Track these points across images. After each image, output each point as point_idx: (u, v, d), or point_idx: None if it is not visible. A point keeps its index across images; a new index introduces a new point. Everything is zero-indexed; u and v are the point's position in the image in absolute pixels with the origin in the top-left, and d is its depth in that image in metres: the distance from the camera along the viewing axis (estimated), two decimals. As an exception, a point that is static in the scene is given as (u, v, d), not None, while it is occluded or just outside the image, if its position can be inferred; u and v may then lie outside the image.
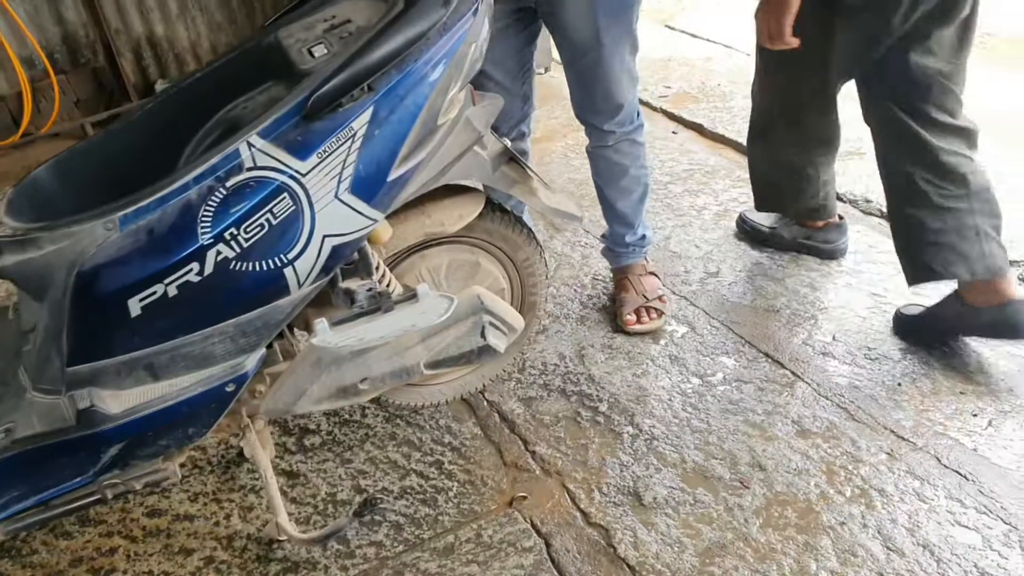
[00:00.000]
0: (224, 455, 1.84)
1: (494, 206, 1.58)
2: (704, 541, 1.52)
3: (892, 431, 1.70)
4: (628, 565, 1.49)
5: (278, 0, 3.98)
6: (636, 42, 1.81)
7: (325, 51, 1.26)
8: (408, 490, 1.70)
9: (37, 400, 1.28)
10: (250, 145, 1.16)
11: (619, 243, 2.08)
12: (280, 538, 1.56)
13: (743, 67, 3.51)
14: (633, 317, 2.04)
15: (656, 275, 2.12)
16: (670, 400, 1.85)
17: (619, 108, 1.86)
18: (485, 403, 1.90)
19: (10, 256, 1.19)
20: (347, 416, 1.91)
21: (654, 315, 2.04)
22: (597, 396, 1.88)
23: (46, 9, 3.61)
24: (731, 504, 1.58)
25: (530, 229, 1.66)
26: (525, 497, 1.65)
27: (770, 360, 1.94)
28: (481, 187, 1.53)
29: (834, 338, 1.98)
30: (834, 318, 2.05)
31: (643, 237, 2.08)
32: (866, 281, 2.17)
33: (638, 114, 1.93)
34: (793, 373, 1.89)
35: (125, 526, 1.70)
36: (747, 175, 2.26)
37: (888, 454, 1.65)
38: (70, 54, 3.75)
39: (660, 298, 2.06)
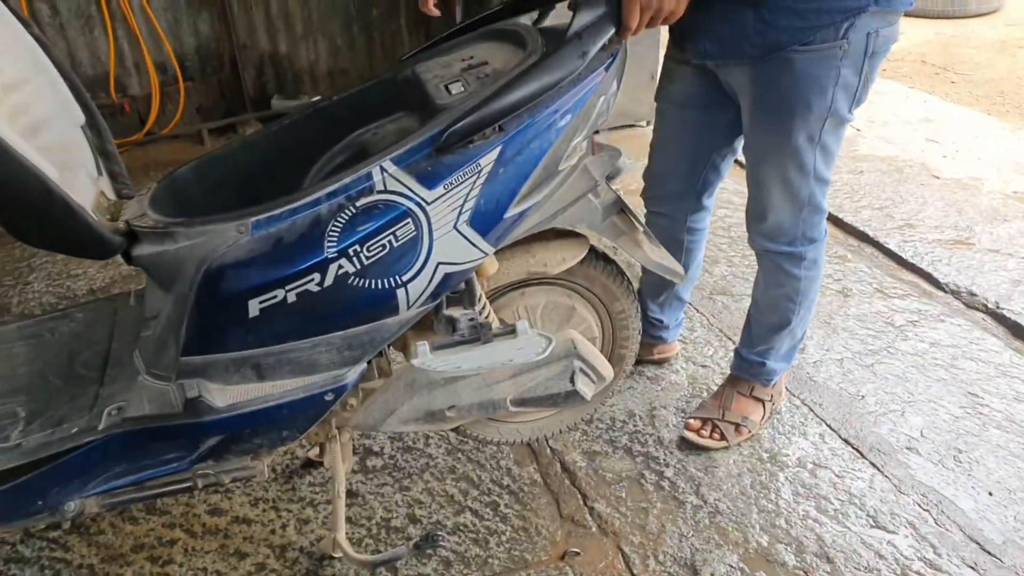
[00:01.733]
0: (289, 464, 1.87)
1: (597, 254, 1.59)
2: (760, 629, 1.45)
3: (978, 544, 1.60)
4: (677, 641, 1.43)
5: (396, 31, 4.15)
6: (804, 164, 1.55)
7: (462, 89, 1.30)
8: (461, 527, 1.69)
9: (148, 384, 1.35)
10: (383, 170, 1.21)
11: (738, 351, 1.90)
12: (334, 554, 1.57)
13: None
14: (697, 423, 1.87)
15: (763, 404, 1.88)
16: (739, 475, 1.79)
17: (762, 219, 1.66)
18: (548, 450, 1.88)
19: (148, 246, 1.27)
20: (411, 443, 1.93)
21: (716, 435, 1.85)
22: (664, 460, 1.84)
23: (185, 21, 3.86)
24: (793, 594, 1.51)
25: (630, 282, 1.66)
26: (578, 553, 1.62)
27: (850, 447, 1.85)
28: (587, 233, 1.54)
29: (922, 434, 1.88)
30: (923, 412, 1.95)
31: (762, 364, 1.84)
32: (963, 379, 2.06)
33: (803, 242, 1.66)
34: (873, 465, 1.80)
35: (187, 520, 1.74)
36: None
37: (972, 567, 1.55)
38: (199, 64, 3.99)
39: (737, 427, 1.85)
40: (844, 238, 2.78)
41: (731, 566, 1.57)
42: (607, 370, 1.49)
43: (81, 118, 1.44)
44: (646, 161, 1.88)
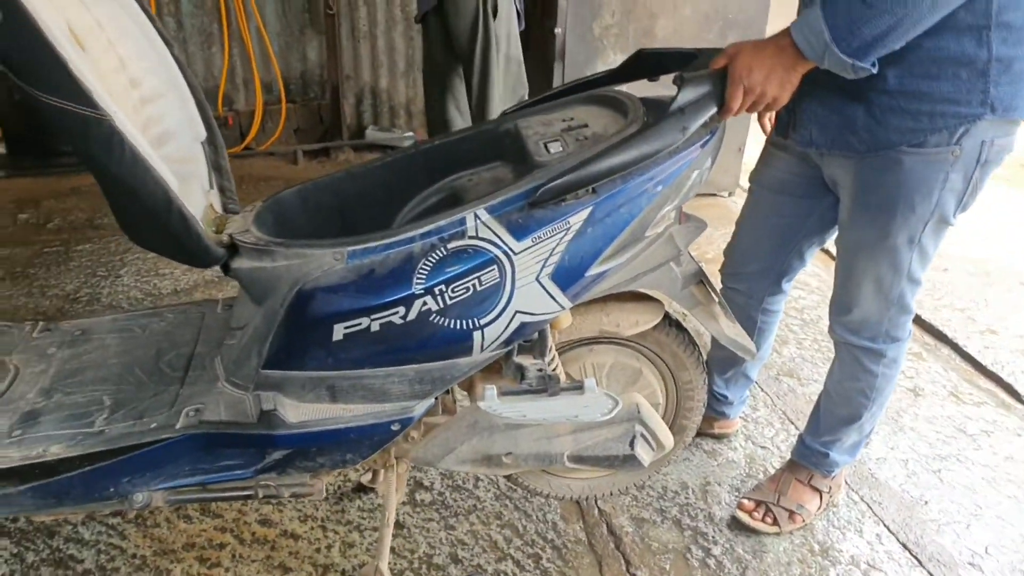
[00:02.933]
0: (341, 486, 1.92)
1: (671, 321, 1.60)
2: None
3: (1036, 675, 1.52)
4: None
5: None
6: (900, 263, 1.52)
7: (560, 148, 1.35)
8: (501, 574, 1.69)
9: (226, 390, 1.41)
10: (476, 216, 1.26)
11: (802, 438, 1.87)
12: (373, 584, 1.60)
13: None
14: (751, 504, 1.84)
15: (821, 494, 1.84)
16: (788, 564, 1.74)
17: (847, 311, 1.64)
18: (596, 511, 1.88)
19: (247, 261, 1.34)
20: (461, 482, 1.95)
21: (769, 519, 1.81)
22: (713, 537, 1.81)
23: (296, 46, 4.07)
24: None
25: (700, 353, 1.66)
26: (615, 619, 1.60)
27: (908, 553, 1.79)
28: (663, 300, 1.55)
29: (986, 550, 1.81)
30: (991, 528, 1.87)
31: (825, 455, 1.81)
32: (1035, 498, 1.98)
33: (884, 339, 1.63)
34: (931, 575, 1.73)
35: (238, 527, 1.79)
36: None
37: None
38: (303, 88, 4.19)
39: (791, 514, 1.81)
40: (920, 335, 2.71)
41: (771, 658, 1.53)
42: (668, 439, 1.49)
43: (203, 134, 1.54)
44: (725, 231, 1.89)
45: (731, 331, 1.54)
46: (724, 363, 1.97)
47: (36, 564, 1.69)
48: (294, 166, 4.02)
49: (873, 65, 1.26)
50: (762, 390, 2.33)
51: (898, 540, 1.83)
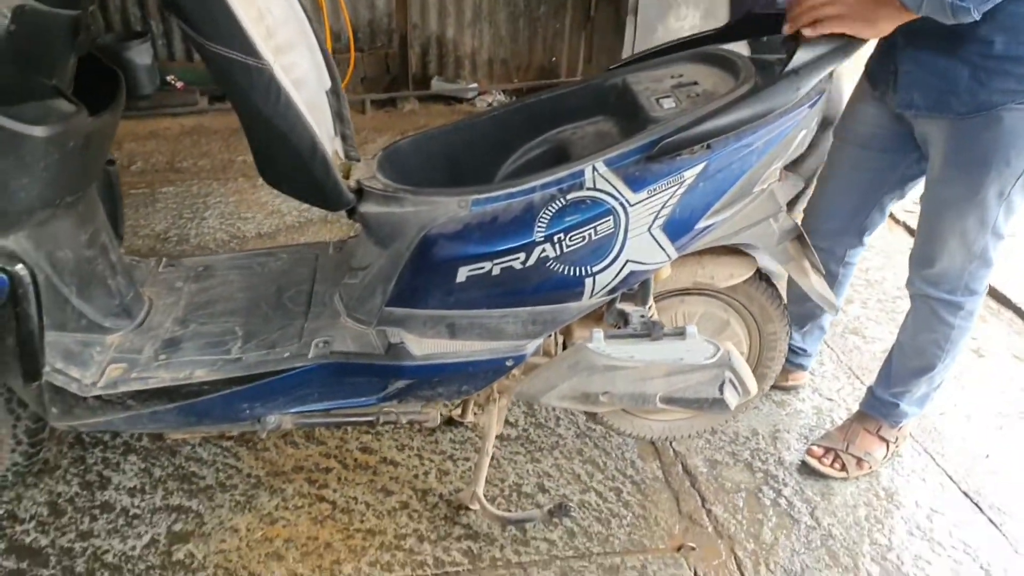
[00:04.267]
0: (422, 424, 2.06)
1: (762, 275, 1.69)
2: (862, 651, 1.54)
3: (1090, 615, 1.63)
4: (781, 645, 1.54)
5: (559, 30, 4.30)
6: (987, 218, 1.58)
7: (673, 105, 1.42)
8: (586, 504, 1.83)
9: (350, 326, 1.55)
10: (595, 169, 1.35)
11: (872, 390, 1.96)
12: (471, 506, 1.74)
13: None
14: (820, 450, 1.95)
15: (887, 444, 1.94)
16: (855, 506, 1.86)
17: (929, 264, 1.69)
18: (671, 452, 2.00)
19: (375, 206, 1.45)
20: (543, 420, 2.08)
21: (837, 465, 1.92)
22: (783, 480, 1.93)
23: (365, -5, 4.12)
24: (898, 626, 1.59)
25: (786, 307, 1.74)
26: (693, 548, 1.74)
27: (970, 501, 1.89)
28: (755, 255, 1.64)
29: (1045, 502, 1.91)
30: (1049, 482, 1.97)
31: (895, 405, 1.89)
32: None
33: (964, 292, 1.70)
34: (991, 522, 1.84)
35: (341, 453, 1.95)
36: None
37: (1081, 636, 1.59)
38: (371, 36, 4.25)
39: (859, 461, 1.92)
40: (985, 299, 2.76)
41: (840, 588, 1.66)
42: (753, 385, 1.59)
43: (328, 83, 1.63)
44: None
45: (820, 287, 1.63)
46: (802, 317, 2.06)
47: (163, 478, 1.86)
48: (362, 115, 4.10)
49: (976, 12, 1.26)
50: (828, 346, 2.42)
51: (960, 489, 1.93)
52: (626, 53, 3.95)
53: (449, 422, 2.05)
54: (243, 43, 1.23)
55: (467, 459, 1.95)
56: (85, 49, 1.49)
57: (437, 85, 4.23)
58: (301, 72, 1.60)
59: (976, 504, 1.89)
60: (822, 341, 2.19)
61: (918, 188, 1.78)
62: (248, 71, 1.26)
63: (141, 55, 3.85)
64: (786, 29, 1.37)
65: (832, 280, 1.94)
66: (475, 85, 4.27)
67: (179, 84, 4.07)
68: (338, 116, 1.67)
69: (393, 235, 1.45)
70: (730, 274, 1.62)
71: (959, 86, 1.48)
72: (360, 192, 1.48)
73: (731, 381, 1.55)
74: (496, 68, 4.36)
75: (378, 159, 1.56)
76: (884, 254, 2.91)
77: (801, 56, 1.34)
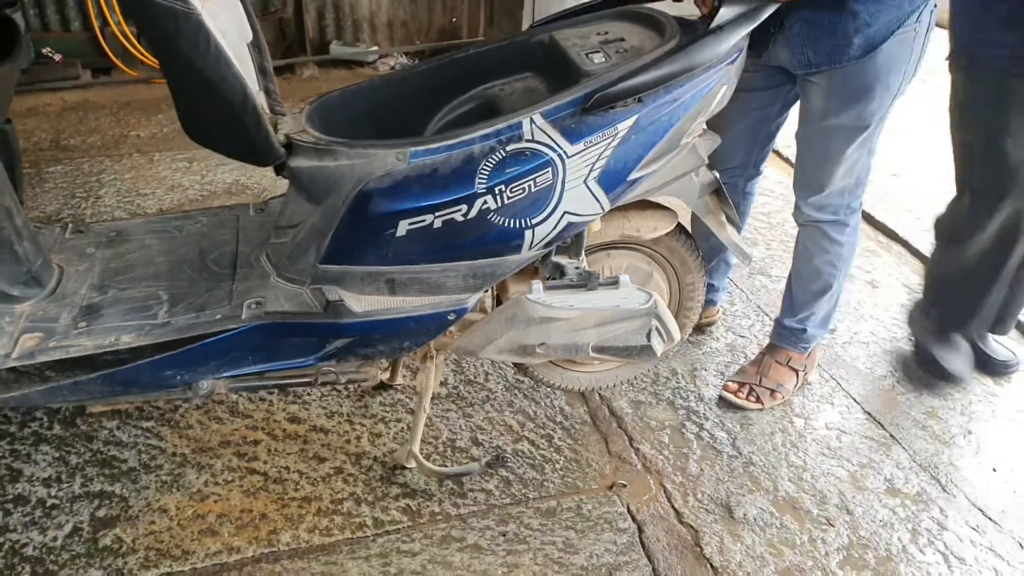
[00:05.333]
0: (360, 385, 2.05)
1: (682, 229, 1.75)
2: (785, 562, 1.64)
3: (981, 510, 1.79)
4: (712, 566, 1.62)
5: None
6: (870, 141, 1.73)
7: (603, 60, 1.45)
8: (519, 453, 1.88)
9: (281, 285, 1.51)
10: (532, 121, 1.36)
11: (779, 321, 2.07)
12: (407, 465, 1.75)
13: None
14: (735, 385, 2.05)
15: (797, 373, 2.05)
16: (772, 434, 1.97)
17: (820, 190, 1.80)
18: (597, 396, 2.06)
19: (306, 160, 1.40)
20: (472, 377, 2.10)
21: (752, 398, 2.02)
22: (704, 415, 2.02)
23: (254, -42, 3.95)
24: (815, 536, 1.70)
25: (703, 259, 1.82)
26: (625, 485, 1.81)
27: (873, 420, 2.04)
28: (675, 208, 1.69)
29: (937, 414, 2.07)
30: (940, 395, 2.14)
31: (803, 330, 2.01)
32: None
33: (846, 211, 1.84)
34: (892, 436, 1.99)
35: (268, 424, 1.92)
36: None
37: (974, 529, 1.74)
38: (263, 2, 4.09)
39: (772, 392, 2.02)
40: (875, 235, 2.95)
41: (762, 509, 1.76)
42: (677, 332, 1.67)
43: (249, 35, 1.57)
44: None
45: (736, 238, 1.71)
46: (709, 252, 2.15)
47: (81, 465, 1.79)
48: (259, 83, 3.98)
49: None
50: (738, 287, 2.53)
51: (863, 409, 2.08)
52: (526, 13, 3.95)
53: (379, 386, 2.05)
54: None
55: (399, 420, 1.95)
56: None
57: (336, 50, 4.13)
58: (222, 23, 1.53)
59: (878, 422, 2.03)
60: (728, 277, 2.29)
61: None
62: (175, 16, 1.21)
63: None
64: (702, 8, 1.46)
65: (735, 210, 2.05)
66: (375, 48, 4.18)
67: (57, 57, 3.81)
68: (260, 70, 1.61)
69: (327, 190, 1.41)
70: (654, 227, 1.68)
71: (850, 36, 1.57)
72: (289, 147, 1.43)
73: (657, 329, 1.61)
74: (396, 30, 4.28)
75: (306, 113, 1.51)
76: (783, 197, 3.05)
77: (724, 14, 1.40)
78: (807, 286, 1.97)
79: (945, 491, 1.84)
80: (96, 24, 3.79)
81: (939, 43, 1.74)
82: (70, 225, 1.79)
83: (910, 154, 3.57)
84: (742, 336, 2.32)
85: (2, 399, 1.44)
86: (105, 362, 1.45)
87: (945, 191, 2.17)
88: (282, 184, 3.09)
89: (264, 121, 1.35)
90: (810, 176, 1.83)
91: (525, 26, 3.64)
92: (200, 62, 1.25)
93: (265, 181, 3.11)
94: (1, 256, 1.48)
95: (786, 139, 2.02)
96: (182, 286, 1.57)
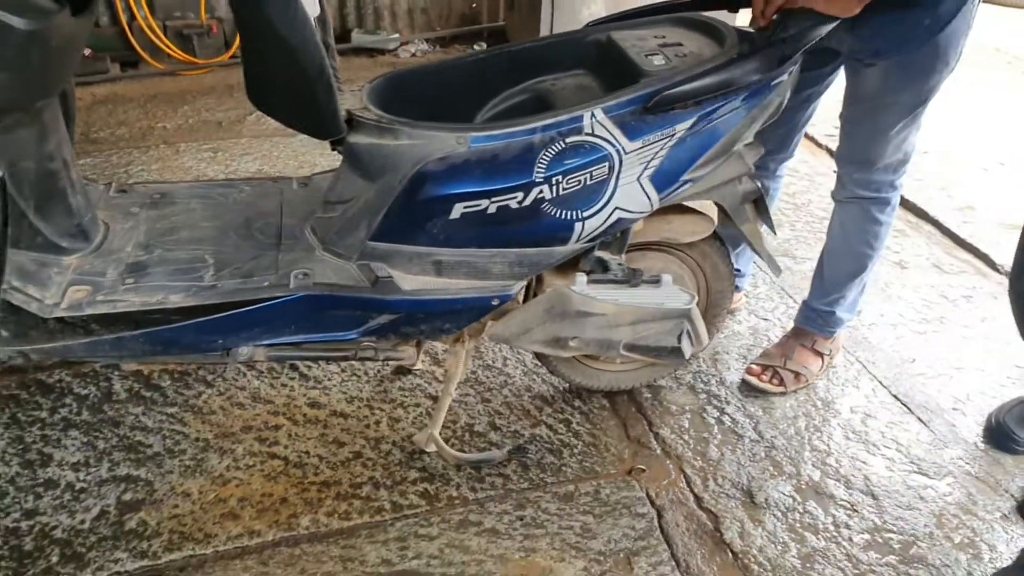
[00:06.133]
0: (380, 370, 2.06)
1: (717, 235, 1.74)
2: (807, 547, 1.62)
3: (1013, 496, 1.75)
4: (732, 551, 1.60)
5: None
6: (919, 116, 1.70)
7: (663, 62, 1.45)
8: (537, 437, 1.87)
9: (327, 259, 1.51)
10: (593, 115, 1.37)
11: (807, 303, 2.03)
12: (427, 449, 1.76)
13: None
14: (758, 368, 2.02)
15: (822, 357, 2.02)
16: (795, 418, 1.94)
17: (870, 166, 1.77)
18: (617, 380, 2.05)
19: (366, 137, 1.41)
20: (490, 362, 2.10)
21: (775, 381, 1.99)
22: (725, 399, 2.00)
23: (276, -52, 3.97)
24: (839, 521, 1.67)
25: (733, 267, 1.81)
26: (644, 470, 1.79)
27: (899, 403, 2.00)
28: (711, 215, 1.68)
29: (968, 397, 2.02)
30: (971, 379, 2.09)
31: (831, 314, 1.98)
32: (1011, 352, 2.18)
33: (889, 188, 1.81)
34: (920, 420, 1.94)
35: (289, 410, 1.94)
36: None
37: (1004, 515, 1.70)
38: (286, -8, 4.10)
39: (796, 376, 1.99)
40: (904, 214, 2.88)
41: (784, 494, 1.73)
42: (706, 336, 1.68)
43: (317, 10, 1.57)
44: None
45: (768, 249, 1.71)
46: (734, 238, 2.11)
47: (108, 450, 1.82)
48: (283, 73, 4.00)
49: None
50: (762, 270, 2.49)
51: (890, 392, 2.03)
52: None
53: (398, 371, 2.06)
54: None
55: (417, 406, 1.96)
56: None
57: (358, 38, 4.13)
58: None
59: (905, 405, 1.99)
60: (752, 261, 2.26)
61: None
62: None
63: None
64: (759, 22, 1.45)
65: (765, 192, 2.01)
66: (396, 36, 4.18)
67: (87, 52, 3.87)
68: (324, 45, 1.62)
69: (384, 168, 1.42)
70: (692, 231, 1.67)
71: (921, 21, 1.53)
72: (350, 122, 1.44)
73: (688, 332, 1.62)
74: (417, 17, 4.28)
75: (366, 91, 1.51)
76: (808, 178, 3.00)
77: (787, 28, 1.41)
78: (841, 267, 1.93)
79: (975, 476, 1.79)
80: (124, 19, 3.84)
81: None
82: (114, 184, 1.81)
83: (940, 131, 3.48)
84: (765, 319, 2.29)
85: (45, 349, 1.44)
86: (148, 320, 1.45)
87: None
88: (303, 170, 3.11)
89: (335, 93, 1.36)
90: (861, 152, 1.79)
91: (544, 11, 3.60)
92: (285, 28, 1.25)
93: (287, 171, 3.14)
94: (56, 207, 1.48)
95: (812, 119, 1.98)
96: (228, 251, 1.57)
